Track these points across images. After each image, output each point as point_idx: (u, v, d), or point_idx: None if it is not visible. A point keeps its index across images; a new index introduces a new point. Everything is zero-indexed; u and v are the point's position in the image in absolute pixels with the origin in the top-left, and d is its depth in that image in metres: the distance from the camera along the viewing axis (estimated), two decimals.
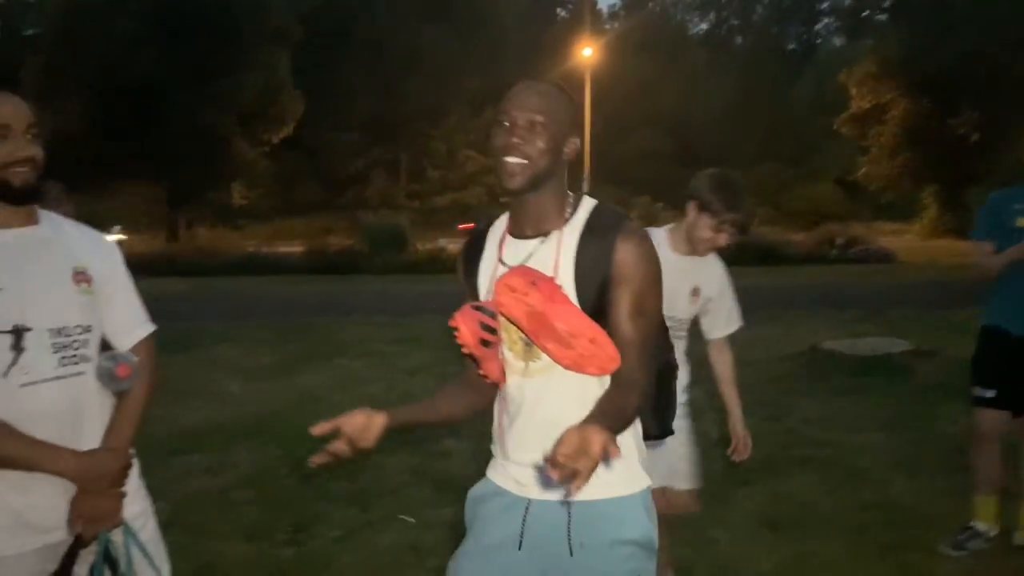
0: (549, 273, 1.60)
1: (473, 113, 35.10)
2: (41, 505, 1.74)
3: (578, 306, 1.58)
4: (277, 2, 27.42)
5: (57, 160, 2.29)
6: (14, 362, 1.71)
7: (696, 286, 2.72)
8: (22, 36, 37.86)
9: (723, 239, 2.63)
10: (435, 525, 3.79)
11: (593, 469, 1.24)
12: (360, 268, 20.55)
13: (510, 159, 1.58)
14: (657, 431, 1.90)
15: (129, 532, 1.85)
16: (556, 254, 1.61)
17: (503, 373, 1.71)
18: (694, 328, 2.84)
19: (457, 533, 3.61)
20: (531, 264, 1.62)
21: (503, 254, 1.68)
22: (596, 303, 1.59)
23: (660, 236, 2.68)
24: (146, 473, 1.99)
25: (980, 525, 3.43)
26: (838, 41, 53.72)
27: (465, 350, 1.67)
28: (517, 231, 1.68)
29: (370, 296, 15.03)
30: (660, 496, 2.57)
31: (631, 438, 1.68)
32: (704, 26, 61.60)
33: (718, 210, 2.57)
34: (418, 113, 33.33)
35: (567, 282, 1.60)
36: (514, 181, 1.59)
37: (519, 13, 42.05)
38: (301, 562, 3.43)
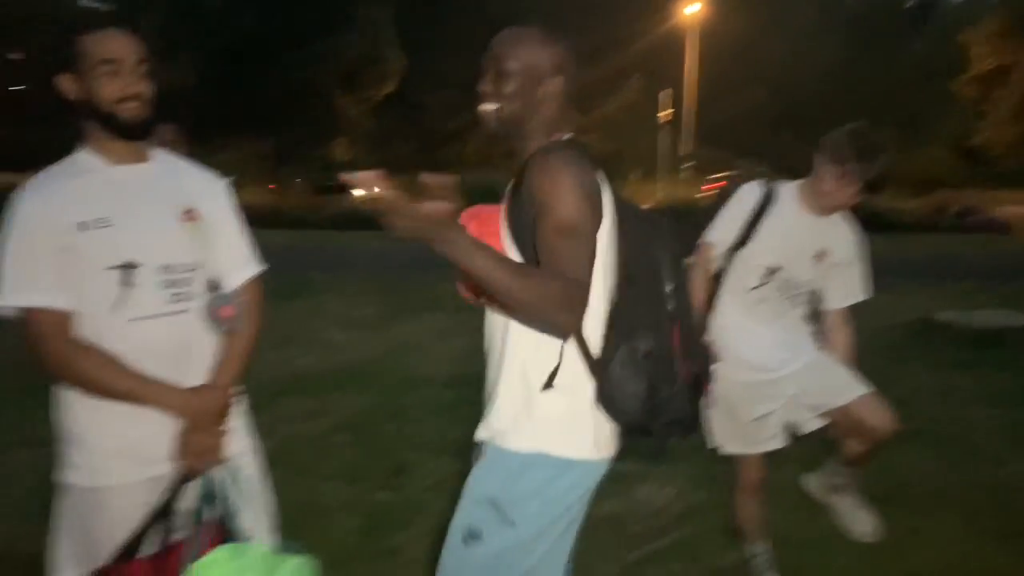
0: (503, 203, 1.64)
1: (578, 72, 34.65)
2: (147, 438, 1.78)
3: (514, 247, 1.58)
4: None
5: (171, 114, 2.33)
6: (124, 297, 1.74)
7: (823, 248, 2.56)
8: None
9: (847, 194, 2.45)
10: None
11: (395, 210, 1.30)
12: None
13: (482, 106, 1.68)
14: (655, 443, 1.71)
15: (231, 469, 1.88)
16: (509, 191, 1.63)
17: None
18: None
19: None
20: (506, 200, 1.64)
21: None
22: (521, 238, 1.57)
23: (790, 190, 2.56)
24: (252, 413, 2.03)
25: None
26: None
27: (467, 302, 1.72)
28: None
29: None
30: (848, 416, 2.55)
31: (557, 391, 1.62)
32: None
33: (842, 157, 2.41)
34: None
35: (503, 221, 1.63)
36: (488, 126, 1.70)
37: None
38: (397, 506, 3.49)
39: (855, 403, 2.58)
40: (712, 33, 35.44)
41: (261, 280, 2.02)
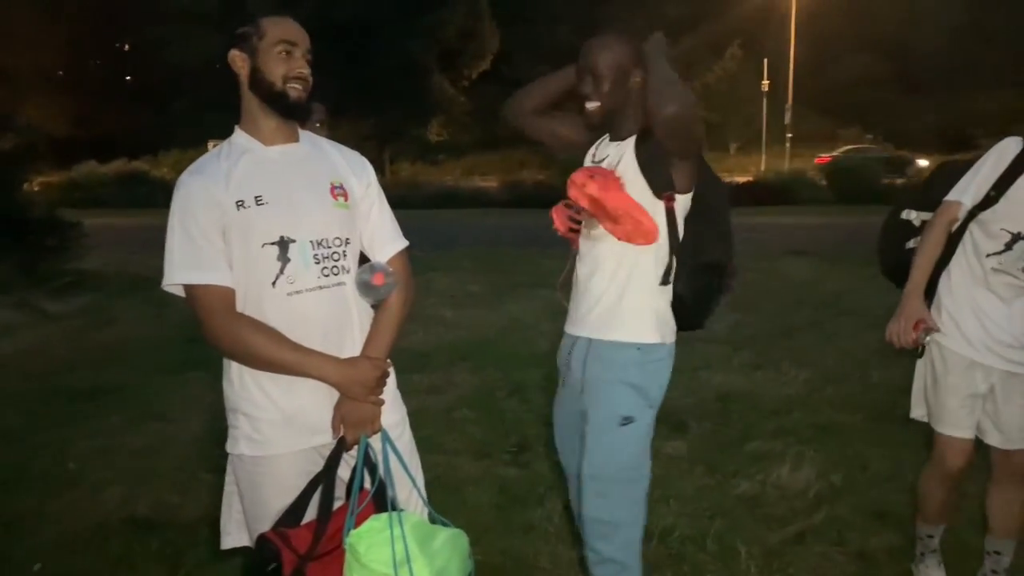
0: (612, 167, 2.10)
1: (671, 41, 33.80)
2: (308, 408, 1.82)
3: (647, 186, 2.04)
4: None
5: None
6: (281, 271, 1.78)
7: None
8: None
9: None
10: (656, 457, 3.68)
11: None
12: (554, 202, 20.60)
13: (588, 104, 2.12)
14: (683, 324, 2.18)
15: (387, 439, 1.90)
16: (620, 152, 2.11)
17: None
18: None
19: (680, 467, 3.54)
20: (605, 162, 2.14)
21: (595, 153, 2.21)
22: (664, 178, 2.04)
23: None
24: None
25: None
26: None
27: (560, 234, 2.22)
28: (611, 136, 2.19)
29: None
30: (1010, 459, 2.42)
31: (652, 296, 2.10)
32: None
33: None
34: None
35: (630, 170, 2.07)
36: (592, 120, 2.15)
37: None
38: (526, 481, 3.48)
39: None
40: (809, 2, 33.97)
41: (407, 252, 2.02)
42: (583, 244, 2.17)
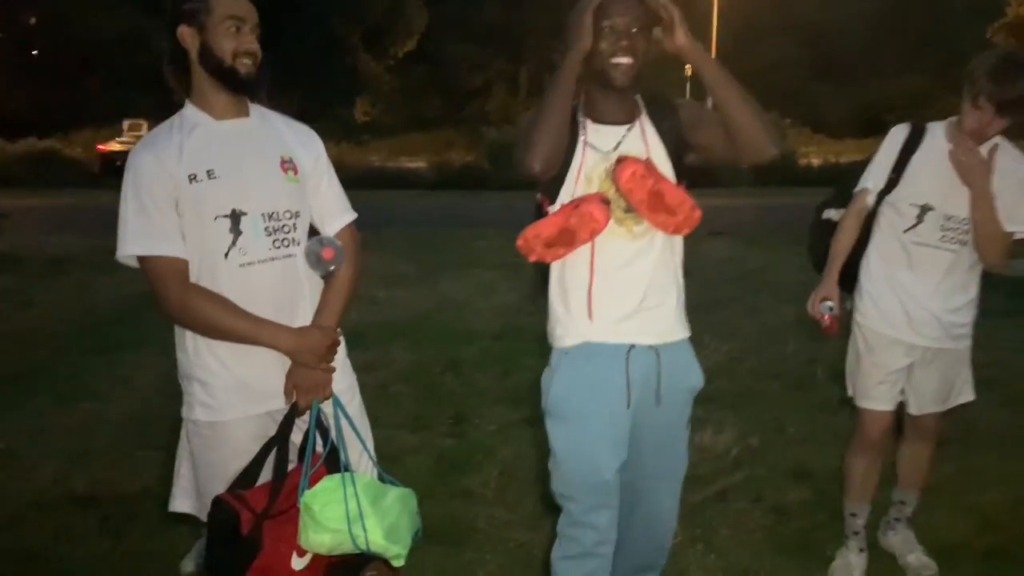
0: (642, 155, 1.89)
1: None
2: (262, 375, 1.89)
3: (673, 174, 1.92)
4: None
5: None
6: (233, 243, 1.85)
7: None
8: None
9: (989, 121, 2.32)
10: None
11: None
12: (483, 183, 20.73)
13: (623, 59, 1.83)
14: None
15: (338, 404, 1.99)
16: (644, 138, 1.92)
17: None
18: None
19: None
20: (625, 148, 1.90)
21: (589, 137, 1.92)
22: (681, 164, 1.95)
23: (938, 127, 2.48)
24: None
25: None
26: None
27: (597, 232, 1.87)
28: (602, 118, 1.93)
29: (495, 210, 15.11)
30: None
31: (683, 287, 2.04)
32: None
33: (977, 79, 2.30)
34: (540, 23, 32.66)
35: (661, 158, 1.92)
36: (626, 79, 1.85)
37: None
38: (464, 450, 3.61)
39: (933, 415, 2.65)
40: None
41: (355, 224, 2.10)
42: (612, 242, 1.91)
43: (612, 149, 1.91)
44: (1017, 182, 2.42)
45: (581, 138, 1.91)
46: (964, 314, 2.56)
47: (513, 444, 3.69)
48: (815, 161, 23.07)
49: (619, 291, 1.94)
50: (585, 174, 1.91)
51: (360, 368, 4.85)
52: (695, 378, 2.04)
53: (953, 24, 38.56)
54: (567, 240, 1.87)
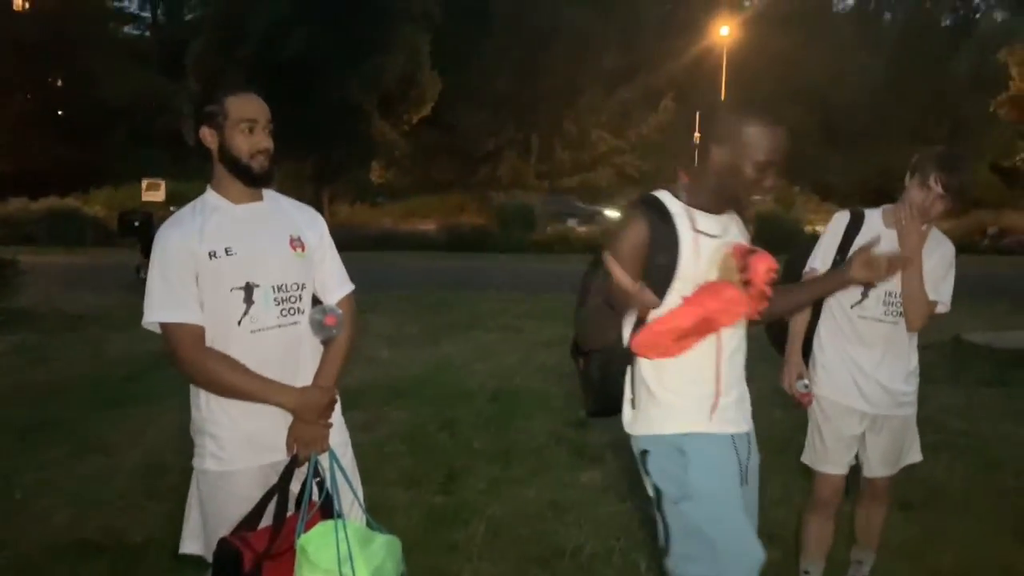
0: (747, 242, 2.06)
1: (606, 93, 34.94)
2: (266, 429, 2.12)
3: None
4: None
5: None
6: (246, 312, 2.10)
7: None
8: (184, 20, 40.81)
9: (933, 202, 2.58)
10: (573, 486, 4.08)
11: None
12: (491, 246, 21.12)
13: (761, 197, 2.01)
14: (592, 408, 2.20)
15: (334, 457, 2.21)
16: (738, 226, 2.09)
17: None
18: None
19: (592, 496, 3.89)
20: (733, 234, 2.04)
21: (698, 225, 1.99)
22: None
23: (875, 213, 2.75)
24: None
25: None
26: (999, 15, 49.87)
27: (738, 319, 1.97)
28: (706, 207, 2.01)
29: (502, 273, 15.49)
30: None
31: None
32: (851, 1, 58.50)
33: (927, 166, 2.56)
34: (551, 92, 33.51)
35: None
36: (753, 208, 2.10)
37: None
38: (453, 507, 3.79)
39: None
40: (748, 53, 35.58)
41: (353, 295, 2.35)
42: (729, 330, 2.01)
43: (723, 235, 2.01)
44: (941, 258, 2.71)
45: (688, 225, 1.97)
46: (909, 382, 2.79)
47: (502, 502, 3.88)
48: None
49: (733, 378, 2.06)
50: (706, 261, 1.97)
51: (358, 427, 5.12)
52: (757, 456, 2.16)
53: (957, 96, 39.34)
54: (703, 329, 1.91)
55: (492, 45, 32.24)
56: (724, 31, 30.52)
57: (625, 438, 4.87)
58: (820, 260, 2.80)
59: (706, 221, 1.99)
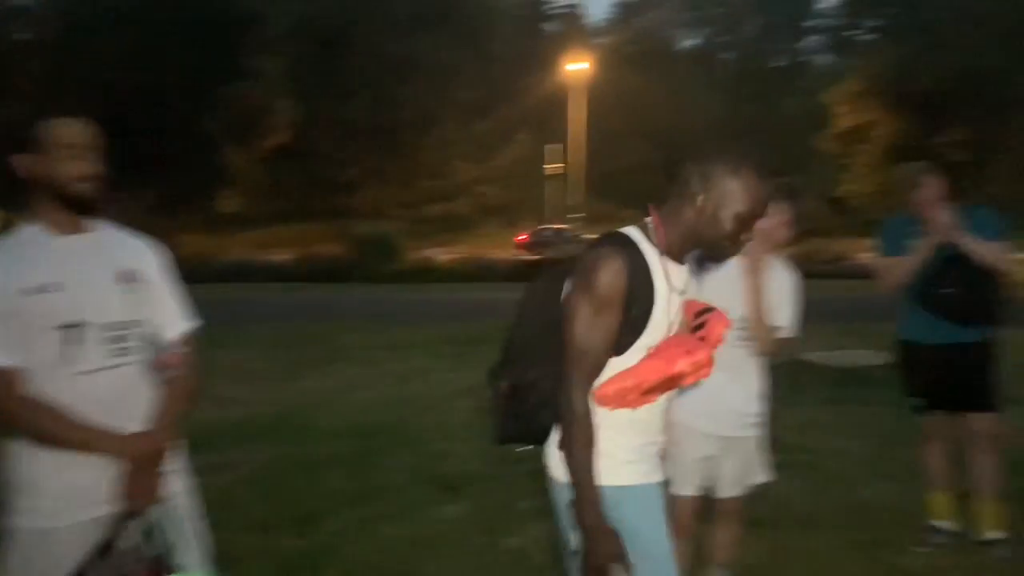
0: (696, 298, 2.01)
1: (465, 123, 35.34)
2: (92, 481, 1.94)
3: None
4: (275, 12, 27.58)
5: None
6: (69, 354, 1.92)
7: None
8: (13, 40, 38.05)
9: (777, 230, 2.78)
10: (436, 520, 3.98)
11: None
12: (350, 276, 20.75)
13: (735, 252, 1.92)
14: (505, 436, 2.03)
15: (168, 508, 2.04)
16: (691, 279, 1.99)
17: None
18: None
19: (456, 529, 3.82)
20: (690, 290, 1.96)
21: (671, 278, 1.87)
22: None
23: None
24: None
25: (939, 522, 3.67)
26: (824, 59, 54.30)
27: (703, 378, 1.87)
28: (678, 255, 1.89)
29: (361, 303, 15.21)
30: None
31: None
32: (691, 42, 62.06)
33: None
34: (411, 122, 33.56)
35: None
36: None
37: (512, 25, 42.40)
38: (308, 553, 3.62)
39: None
40: (599, 89, 36.91)
41: (194, 332, 2.20)
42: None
43: (686, 290, 1.93)
44: (783, 283, 2.86)
45: (663, 276, 1.84)
46: (757, 404, 2.90)
47: (360, 543, 3.74)
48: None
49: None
50: (673, 315, 1.88)
51: (206, 470, 4.78)
52: None
53: (787, 131, 42.37)
54: (668, 386, 1.85)
55: (350, 73, 31.98)
56: (573, 66, 31.56)
57: (488, 468, 4.85)
58: None
59: (676, 274, 1.88)
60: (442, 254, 26.08)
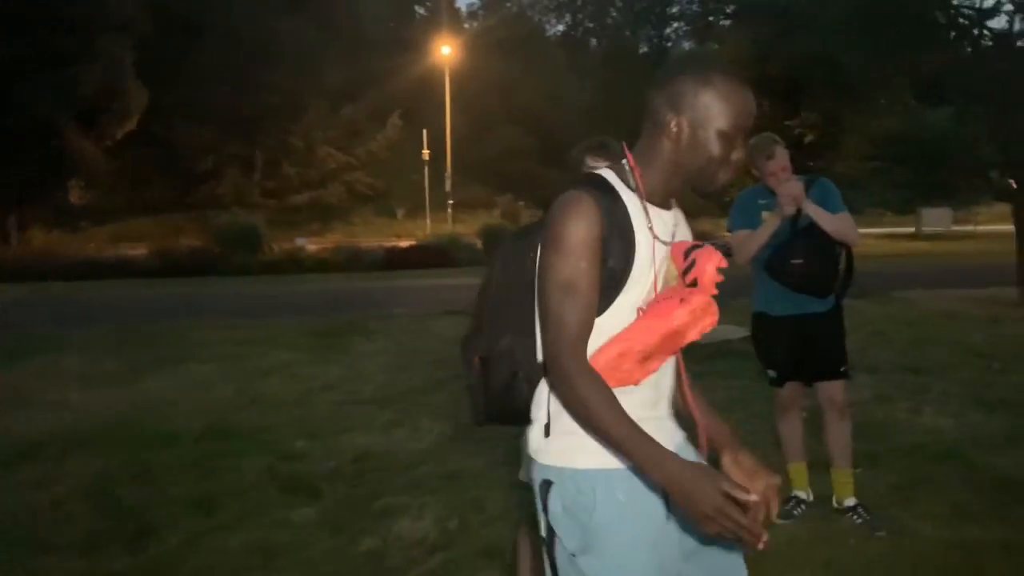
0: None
1: (332, 109, 34.38)
2: None
3: None
4: None
5: None
6: None
7: None
8: None
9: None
10: (284, 526, 3.72)
11: None
12: (212, 269, 19.82)
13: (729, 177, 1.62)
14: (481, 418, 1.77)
15: None
16: (685, 223, 1.71)
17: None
18: None
19: (308, 533, 3.57)
20: (680, 236, 1.66)
21: (654, 226, 1.58)
22: None
23: None
24: None
25: (799, 492, 3.71)
26: (687, 45, 56.07)
27: (709, 289, 1.55)
28: (661, 200, 1.62)
29: (222, 298, 14.52)
30: None
31: None
32: (561, 27, 62.84)
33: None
34: (275, 108, 32.27)
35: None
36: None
37: (379, 8, 41.53)
38: (141, 571, 3.28)
39: None
40: (469, 73, 36.79)
41: None
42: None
43: (671, 239, 1.62)
44: None
45: (644, 224, 1.56)
46: None
47: (201, 555, 3.43)
48: None
49: (668, 395, 1.67)
50: (658, 267, 1.58)
51: (31, 485, 4.38)
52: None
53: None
54: (670, 346, 1.54)
55: (207, 57, 30.41)
56: (446, 51, 31.25)
57: (347, 465, 4.60)
58: None
59: (661, 220, 1.60)
60: (311, 244, 25.33)
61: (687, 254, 1.59)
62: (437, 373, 7.01)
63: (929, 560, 3.20)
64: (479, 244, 24.12)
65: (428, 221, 33.55)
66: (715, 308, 1.54)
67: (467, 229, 28.72)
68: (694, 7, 56.65)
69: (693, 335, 1.53)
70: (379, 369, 7.37)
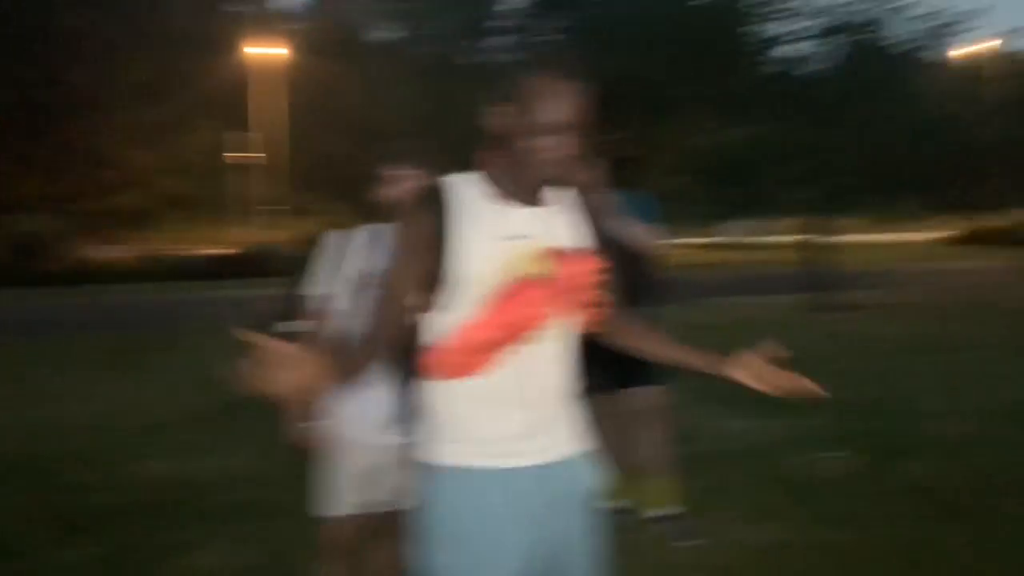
0: (561, 242, 1.69)
1: (136, 107, 32.10)
2: None
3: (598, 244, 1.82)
4: None
5: None
6: None
7: None
8: None
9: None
10: (51, 570, 3.32)
11: None
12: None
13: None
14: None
15: None
16: (556, 222, 1.69)
17: None
18: None
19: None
20: (554, 231, 1.68)
21: (502, 219, 1.61)
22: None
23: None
24: None
25: (617, 503, 3.73)
26: (510, 59, 57.21)
27: (544, 323, 1.61)
28: (518, 194, 1.63)
29: (6, 312, 13.13)
30: None
31: None
32: (386, 35, 62.41)
33: None
34: (66, 103, 29.61)
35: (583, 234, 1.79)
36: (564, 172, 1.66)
37: (187, 5, 39.36)
38: None
39: None
40: (294, 78, 35.54)
41: None
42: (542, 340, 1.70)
43: (532, 234, 1.62)
44: None
45: (481, 223, 1.59)
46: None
47: None
48: None
49: (546, 397, 1.66)
50: (508, 262, 1.58)
51: None
52: (587, 483, 1.76)
53: (471, 129, 44.13)
54: (506, 338, 1.57)
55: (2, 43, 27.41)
56: (251, 50, 30.11)
57: (127, 500, 4.17)
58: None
59: (514, 218, 1.61)
60: (112, 252, 23.51)
61: (551, 259, 1.63)
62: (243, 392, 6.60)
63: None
64: (299, 252, 23.31)
65: (243, 229, 32.10)
66: (555, 300, 1.60)
67: (286, 237, 27.67)
68: (516, 22, 58.24)
69: (531, 325, 1.58)
70: (180, 389, 6.82)
